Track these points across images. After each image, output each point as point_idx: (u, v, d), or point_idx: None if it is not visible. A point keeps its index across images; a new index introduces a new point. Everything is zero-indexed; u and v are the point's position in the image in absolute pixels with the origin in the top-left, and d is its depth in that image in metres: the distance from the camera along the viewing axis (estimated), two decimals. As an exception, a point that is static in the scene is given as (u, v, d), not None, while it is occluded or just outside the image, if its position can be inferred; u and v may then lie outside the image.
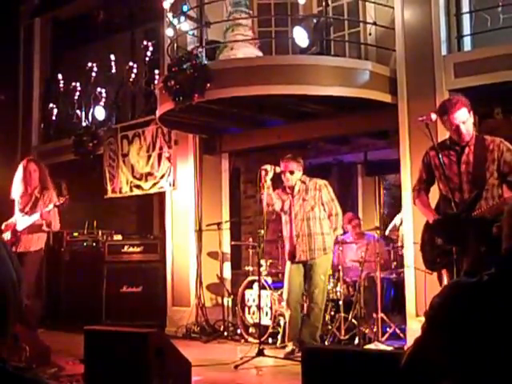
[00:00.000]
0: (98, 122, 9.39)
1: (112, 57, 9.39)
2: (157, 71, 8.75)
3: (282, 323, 6.89)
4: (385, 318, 6.59)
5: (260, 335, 6.49)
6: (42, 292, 10.17)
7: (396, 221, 7.74)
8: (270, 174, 6.27)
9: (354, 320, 6.63)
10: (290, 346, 6.28)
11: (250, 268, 7.67)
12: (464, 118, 4.31)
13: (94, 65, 9.54)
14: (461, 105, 4.31)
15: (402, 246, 6.78)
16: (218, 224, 8.07)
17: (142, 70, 9.27)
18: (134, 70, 9.25)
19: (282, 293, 6.72)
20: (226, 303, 7.98)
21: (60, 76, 10.09)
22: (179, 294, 8.34)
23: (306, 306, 6.34)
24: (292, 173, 6.37)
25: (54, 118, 10.24)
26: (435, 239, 4.44)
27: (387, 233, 7.36)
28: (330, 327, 6.72)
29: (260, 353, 6.06)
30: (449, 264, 4.23)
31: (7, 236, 6.37)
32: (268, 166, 6.28)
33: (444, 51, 6.50)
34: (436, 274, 4.64)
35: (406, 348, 5.92)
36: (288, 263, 6.45)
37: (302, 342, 6.17)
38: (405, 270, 6.62)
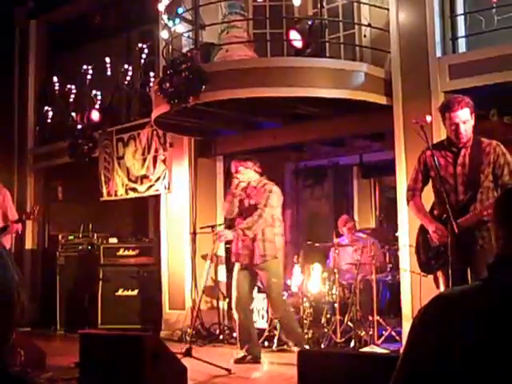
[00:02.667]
0: (94, 125, 9.36)
1: (107, 59, 9.38)
2: (152, 74, 8.75)
3: (278, 326, 6.84)
4: (381, 320, 6.57)
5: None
6: (38, 295, 10.15)
7: None
8: (242, 184, 6.14)
9: (349, 323, 6.62)
10: (241, 352, 6.10)
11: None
12: (465, 117, 4.31)
13: (89, 67, 9.53)
14: (464, 104, 4.31)
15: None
16: (213, 226, 8.04)
17: (137, 72, 9.26)
18: (130, 73, 9.25)
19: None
20: (221, 306, 7.95)
21: (55, 78, 10.08)
22: (174, 298, 8.32)
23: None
24: (237, 172, 6.16)
25: (49, 120, 10.24)
26: (429, 241, 4.43)
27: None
28: (325, 330, 6.71)
29: (187, 353, 5.77)
30: (444, 266, 4.23)
31: None
32: (242, 176, 6.13)
33: (439, 53, 6.51)
34: (433, 276, 4.62)
35: (401, 351, 5.91)
36: (236, 266, 6.20)
37: (252, 353, 6.06)
38: (400, 273, 6.62)
